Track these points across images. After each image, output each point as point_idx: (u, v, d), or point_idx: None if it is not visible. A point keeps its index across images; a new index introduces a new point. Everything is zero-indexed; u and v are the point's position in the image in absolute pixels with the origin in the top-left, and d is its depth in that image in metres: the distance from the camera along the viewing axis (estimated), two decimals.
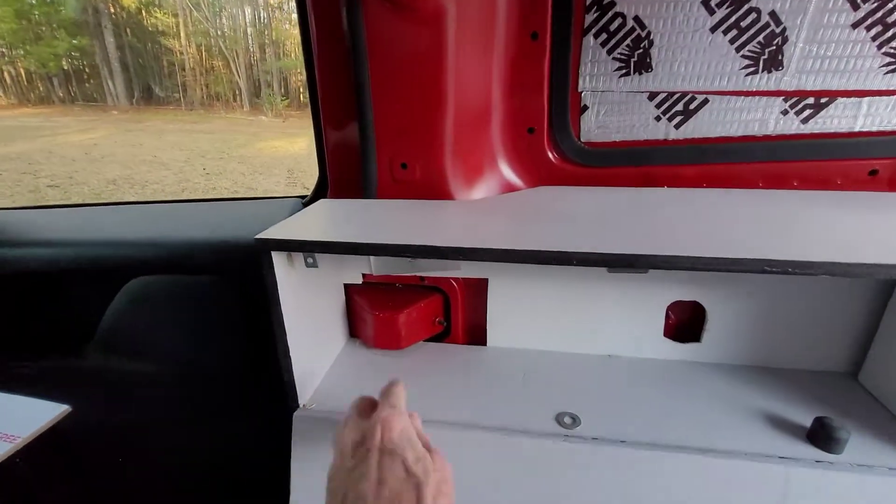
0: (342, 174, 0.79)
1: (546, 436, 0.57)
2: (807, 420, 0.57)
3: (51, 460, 0.99)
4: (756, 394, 0.64)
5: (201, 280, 0.86)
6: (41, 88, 15.19)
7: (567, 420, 0.60)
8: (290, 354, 0.59)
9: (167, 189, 5.99)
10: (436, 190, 0.72)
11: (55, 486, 1.01)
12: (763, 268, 0.45)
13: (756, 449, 0.54)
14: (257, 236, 0.54)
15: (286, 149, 8.39)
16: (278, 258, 0.56)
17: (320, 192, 0.87)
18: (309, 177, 6.46)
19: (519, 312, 0.75)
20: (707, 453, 0.54)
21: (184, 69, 15.10)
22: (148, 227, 0.93)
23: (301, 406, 0.63)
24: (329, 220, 0.64)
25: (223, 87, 14.83)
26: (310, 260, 0.59)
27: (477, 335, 0.78)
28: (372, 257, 0.73)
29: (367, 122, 0.69)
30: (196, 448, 0.94)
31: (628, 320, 0.72)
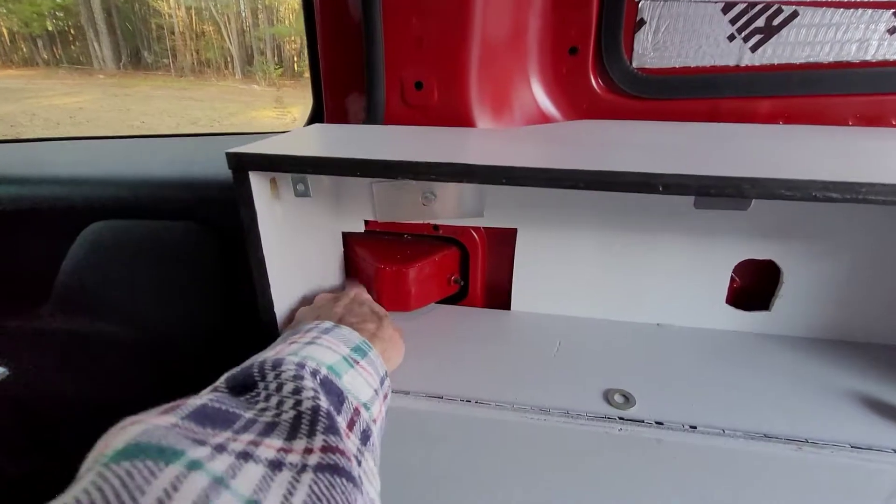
0: (341, 101, 0.65)
1: (595, 419, 0.45)
2: None
3: (18, 441, 0.88)
4: (844, 373, 0.52)
5: (174, 226, 0.72)
6: (24, 50, 14.55)
7: (618, 399, 0.48)
8: (275, 310, 0.47)
9: None
10: (456, 115, 0.59)
11: (17, 458, 0.90)
12: None
13: (858, 439, 0.43)
14: (229, 150, 0.41)
15: (280, 119, 8.10)
16: (259, 184, 0.43)
17: (314, 122, 0.72)
18: None
19: (551, 271, 0.62)
20: (802, 445, 0.42)
21: (173, 33, 14.51)
22: (111, 164, 0.78)
23: None
24: (324, 142, 0.51)
25: (214, 53, 14.27)
26: (300, 186, 0.46)
27: (498, 298, 0.66)
28: (376, 197, 0.60)
29: (375, 29, 0.55)
30: None
31: (684, 283, 0.60)
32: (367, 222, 0.63)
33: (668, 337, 0.59)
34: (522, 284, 0.64)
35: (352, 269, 0.65)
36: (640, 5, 0.60)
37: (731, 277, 0.59)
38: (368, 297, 0.57)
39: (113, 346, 0.80)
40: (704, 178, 0.35)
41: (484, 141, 0.51)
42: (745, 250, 0.56)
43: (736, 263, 0.57)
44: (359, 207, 0.62)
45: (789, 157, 0.42)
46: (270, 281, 0.46)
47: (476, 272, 0.64)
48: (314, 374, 0.31)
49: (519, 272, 0.63)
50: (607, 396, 0.48)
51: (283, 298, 0.50)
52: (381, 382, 0.39)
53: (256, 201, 0.43)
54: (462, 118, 0.58)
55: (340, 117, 0.65)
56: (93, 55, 14.22)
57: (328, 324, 0.41)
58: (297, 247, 0.52)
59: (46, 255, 0.75)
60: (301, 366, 0.31)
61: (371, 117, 0.58)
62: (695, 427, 0.44)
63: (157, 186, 0.70)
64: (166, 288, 0.75)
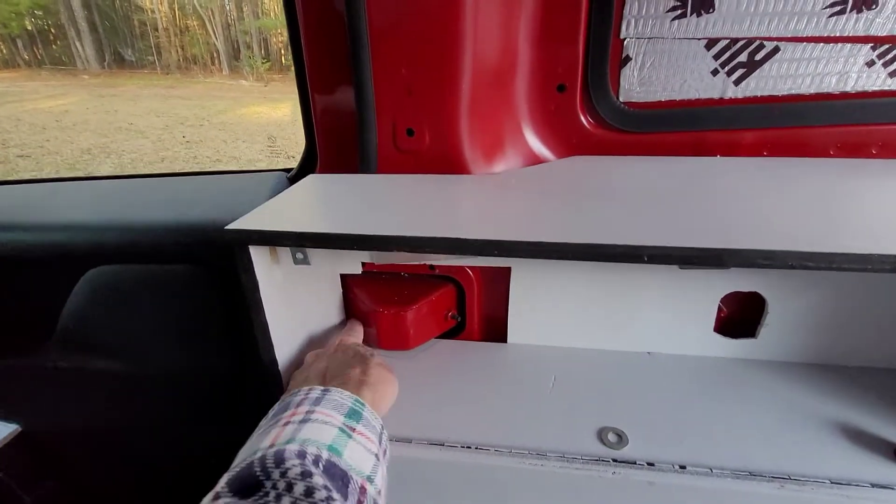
0: (334, 144, 0.66)
1: (590, 461, 0.47)
2: (893, 433, 0.49)
3: (25, 465, 0.90)
4: (826, 398, 0.55)
5: (175, 270, 0.73)
6: (4, 51, 14.26)
7: (612, 438, 0.50)
8: (280, 368, 0.49)
9: (146, 158, 5.70)
10: (448, 161, 0.60)
11: (33, 491, 0.93)
12: None
13: (840, 473, 0.45)
14: (229, 226, 0.42)
15: (269, 115, 8.02)
16: (259, 253, 0.44)
17: (308, 166, 0.73)
18: (294, 145, 6.19)
19: (545, 304, 0.64)
20: (785, 483, 0.45)
21: (156, 29, 14.22)
22: (109, 208, 0.79)
23: None
24: (321, 202, 0.52)
25: (200, 48, 14.03)
26: (300, 255, 0.47)
27: (495, 331, 0.68)
28: None
29: (365, 79, 0.56)
30: (178, 457, 0.85)
31: (673, 313, 0.62)
32: (364, 263, 0.65)
33: (658, 365, 0.62)
34: (518, 318, 0.66)
35: (351, 310, 0.67)
36: (625, 42, 0.61)
37: (719, 307, 0.61)
38: (352, 339, 0.57)
39: (113, 381, 0.82)
40: (686, 250, 0.37)
41: (476, 197, 0.53)
42: (731, 284, 0.58)
43: (723, 295, 0.59)
44: (356, 252, 0.63)
45: (769, 212, 0.44)
46: (273, 341, 0.48)
47: (472, 308, 0.66)
48: (316, 461, 0.32)
49: (514, 307, 0.65)
50: (601, 436, 0.50)
51: (285, 349, 0.51)
52: (380, 440, 0.40)
53: (257, 269, 0.44)
54: (454, 163, 0.59)
55: (334, 157, 0.66)
56: (76, 55, 13.95)
57: (317, 391, 0.41)
58: (296, 301, 0.53)
59: (48, 299, 0.76)
60: (302, 455, 0.32)
61: (365, 165, 0.59)
62: (684, 467, 0.46)
63: (154, 232, 0.71)
64: (165, 326, 0.77)
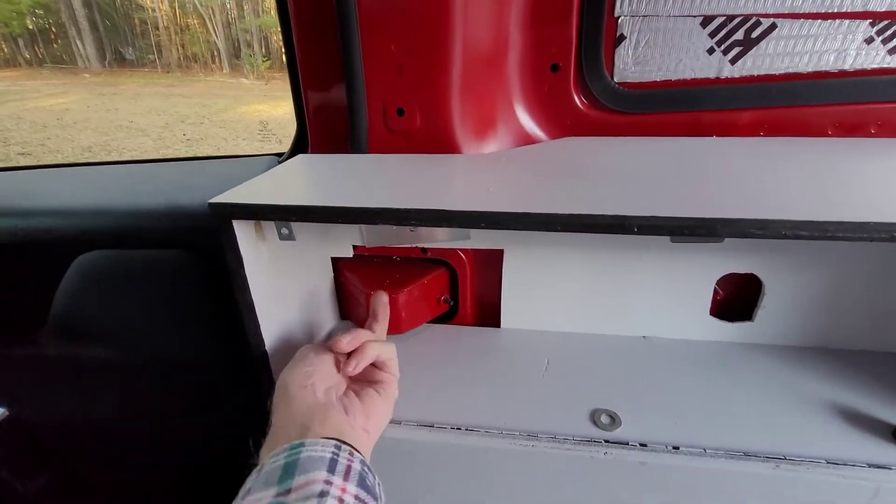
0: (325, 125, 0.65)
1: (581, 442, 0.47)
2: (891, 415, 0.48)
3: (17, 451, 0.89)
4: (823, 381, 0.54)
5: (163, 255, 0.73)
6: (5, 50, 14.28)
7: (604, 420, 0.49)
8: (266, 348, 0.48)
9: (146, 156, 5.70)
10: (439, 141, 0.59)
11: (28, 480, 0.92)
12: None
13: (837, 454, 0.44)
14: (211, 200, 0.41)
15: (270, 113, 8.01)
16: (243, 229, 0.43)
17: (299, 148, 0.73)
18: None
19: (539, 288, 0.63)
20: (780, 463, 0.44)
21: (157, 28, 14.23)
22: (99, 193, 0.78)
23: None
24: (308, 178, 0.51)
25: (200, 47, 14.03)
26: (284, 231, 0.46)
27: (489, 315, 0.67)
28: (364, 226, 0.60)
29: (354, 57, 0.55)
30: (172, 443, 0.84)
31: (668, 296, 0.61)
32: (355, 247, 0.64)
33: (653, 349, 0.61)
34: (511, 302, 0.65)
35: (342, 294, 0.66)
36: (619, 21, 0.60)
37: (715, 290, 0.60)
38: (329, 357, 0.44)
39: (107, 370, 0.81)
40: (677, 220, 0.36)
41: (466, 174, 0.52)
42: (728, 265, 0.57)
43: (719, 277, 0.58)
44: (347, 233, 0.62)
45: (763, 187, 0.43)
46: (260, 320, 0.47)
47: (465, 292, 0.65)
48: None
49: (507, 291, 0.64)
50: (594, 417, 0.50)
51: (273, 331, 0.50)
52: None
53: (241, 245, 0.43)
54: (446, 143, 0.59)
55: (326, 141, 0.66)
56: (76, 53, 13.96)
57: (326, 453, 0.33)
58: (284, 281, 0.53)
59: (40, 284, 0.75)
60: None
61: (355, 146, 0.59)
62: (678, 448, 0.45)
63: (141, 217, 0.71)
64: (158, 313, 0.76)
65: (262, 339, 0.47)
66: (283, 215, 0.40)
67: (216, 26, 13.77)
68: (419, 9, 0.53)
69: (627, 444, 0.46)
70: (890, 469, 0.43)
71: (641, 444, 0.46)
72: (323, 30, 0.57)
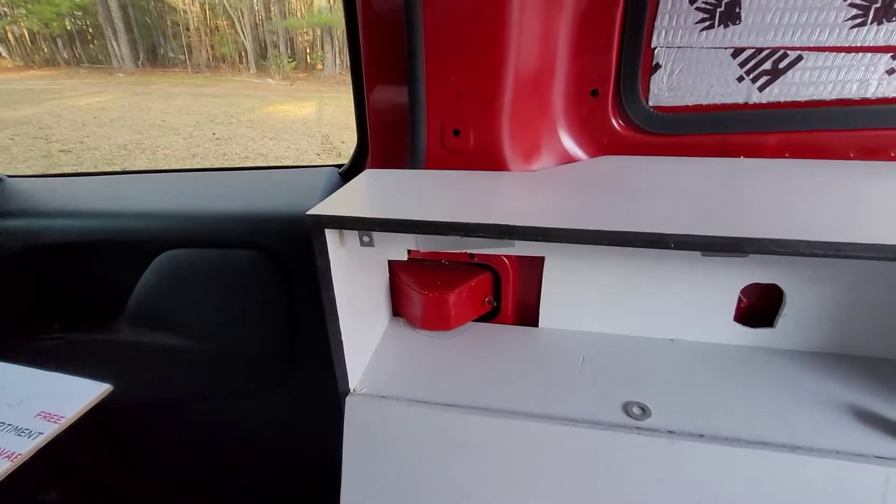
0: (384, 141, 0.73)
1: (615, 427, 0.53)
2: None
3: (95, 437, 0.99)
4: (840, 384, 0.59)
5: (235, 255, 0.82)
6: (45, 50, 14.91)
7: (636, 410, 0.56)
8: (343, 339, 0.56)
9: (178, 154, 5.92)
10: (490, 159, 0.66)
11: (101, 461, 1.02)
12: None
13: (849, 447, 0.50)
14: (309, 212, 0.49)
15: (295, 113, 8.22)
16: (331, 237, 0.51)
17: (359, 161, 0.81)
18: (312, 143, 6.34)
19: (575, 292, 0.70)
20: (796, 451, 0.49)
21: (188, 29, 14.66)
22: (177, 198, 0.88)
23: (352, 391, 0.60)
24: (379, 193, 0.59)
25: (228, 48, 14.41)
26: (366, 238, 0.54)
27: (528, 316, 0.74)
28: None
29: (418, 83, 0.63)
30: (232, 427, 0.93)
31: (696, 302, 0.66)
32: (409, 251, 0.72)
33: (680, 351, 0.67)
34: (549, 304, 0.71)
35: (396, 293, 0.74)
36: (655, 51, 0.66)
37: (739, 298, 0.65)
38: None
39: (181, 356, 0.91)
40: (708, 238, 0.42)
41: (516, 191, 0.59)
42: (752, 275, 0.63)
43: (743, 286, 0.64)
44: (403, 239, 0.70)
45: (787, 206, 0.49)
46: (339, 313, 0.55)
47: (507, 294, 0.72)
48: None
49: (546, 294, 0.71)
50: (626, 409, 0.56)
51: (347, 327, 0.58)
52: None
53: (330, 251, 0.51)
54: (495, 161, 0.66)
55: (384, 156, 0.73)
56: (112, 53, 14.49)
57: None
58: (355, 280, 0.60)
59: (121, 280, 0.85)
60: None
61: (414, 161, 0.66)
62: (703, 435, 0.52)
63: (221, 221, 0.80)
64: (230, 308, 0.85)
65: (340, 328, 0.55)
66: (368, 226, 0.48)
67: (244, 28, 14.14)
68: (478, 43, 0.60)
69: (658, 430, 0.52)
70: None
71: (669, 431, 0.52)
72: (387, 55, 0.65)
